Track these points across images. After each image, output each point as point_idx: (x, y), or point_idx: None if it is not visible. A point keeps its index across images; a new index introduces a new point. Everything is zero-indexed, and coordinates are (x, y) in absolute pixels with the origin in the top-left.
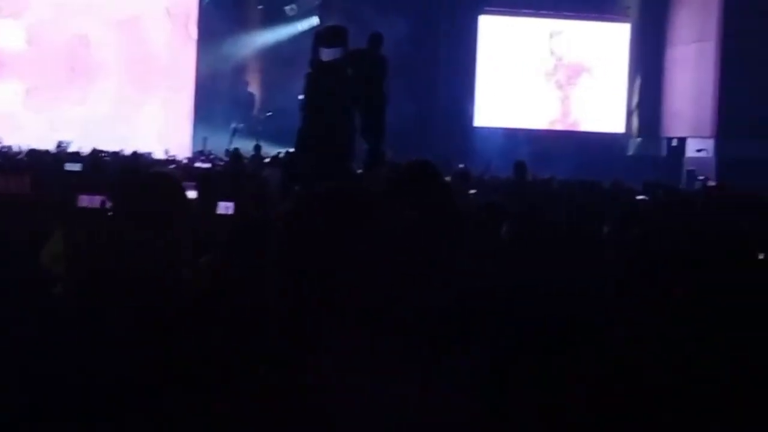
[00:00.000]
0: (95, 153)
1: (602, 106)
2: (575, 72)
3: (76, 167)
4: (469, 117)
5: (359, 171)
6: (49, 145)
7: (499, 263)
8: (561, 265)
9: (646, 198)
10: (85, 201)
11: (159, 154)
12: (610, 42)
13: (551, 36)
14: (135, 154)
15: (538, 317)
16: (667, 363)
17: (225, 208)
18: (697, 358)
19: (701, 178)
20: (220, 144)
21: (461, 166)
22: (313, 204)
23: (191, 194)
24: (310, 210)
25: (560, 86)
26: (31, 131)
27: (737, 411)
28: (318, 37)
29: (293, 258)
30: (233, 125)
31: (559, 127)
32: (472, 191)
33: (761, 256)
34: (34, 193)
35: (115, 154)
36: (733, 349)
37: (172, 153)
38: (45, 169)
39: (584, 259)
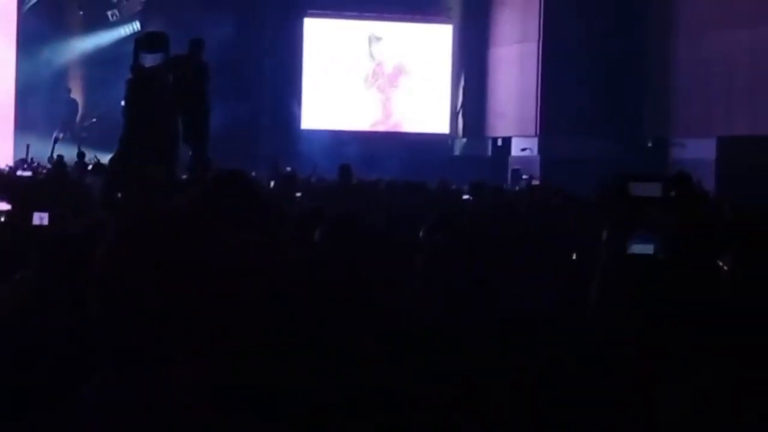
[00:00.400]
0: None
1: (426, 108)
2: (397, 74)
3: None
4: (296, 119)
5: (183, 177)
6: None
7: (311, 266)
8: (370, 267)
9: (471, 198)
10: None
11: None
12: (432, 43)
13: (373, 38)
14: None
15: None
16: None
17: (39, 218)
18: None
19: (525, 177)
20: (44, 152)
21: (288, 169)
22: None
23: (4, 206)
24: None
25: (382, 89)
26: None
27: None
28: (139, 43)
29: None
30: (54, 134)
31: (382, 128)
32: (298, 194)
33: (574, 256)
34: None
35: None
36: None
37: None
38: None
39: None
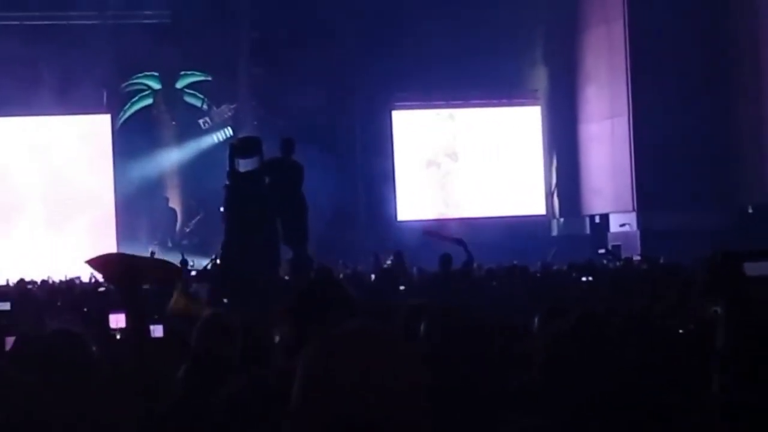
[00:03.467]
0: (22, 285)
1: (521, 189)
2: (491, 158)
3: (4, 306)
4: (392, 210)
5: (286, 277)
6: None
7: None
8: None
9: (575, 277)
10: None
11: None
12: (521, 125)
13: (464, 125)
14: (64, 281)
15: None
16: None
17: (155, 331)
18: None
19: (602, 251)
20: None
21: (388, 263)
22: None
23: (119, 320)
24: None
25: (477, 173)
26: None
27: None
28: (233, 148)
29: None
30: (150, 248)
31: (480, 214)
32: (402, 288)
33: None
34: None
35: (44, 283)
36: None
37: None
38: None
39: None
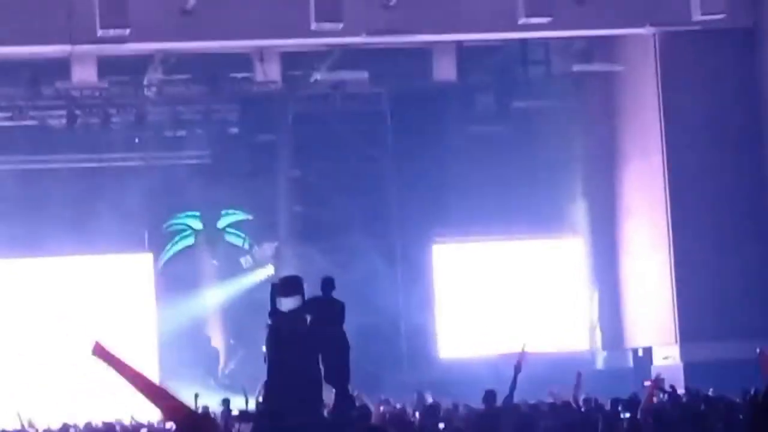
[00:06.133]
0: (65, 429)
1: (563, 323)
2: (531, 292)
3: None
4: (433, 347)
5: (327, 416)
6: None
7: None
8: None
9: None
10: None
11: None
12: (563, 259)
13: (504, 259)
14: (105, 423)
15: None
16: None
17: None
18: None
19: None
20: (188, 401)
21: (431, 401)
22: None
23: None
24: None
25: (518, 308)
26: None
27: None
28: (275, 288)
29: None
30: (195, 393)
31: (522, 349)
32: (441, 425)
33: None
34: None
35: (87, 426)
36: None
37: (140, 417)
38: None
39: None
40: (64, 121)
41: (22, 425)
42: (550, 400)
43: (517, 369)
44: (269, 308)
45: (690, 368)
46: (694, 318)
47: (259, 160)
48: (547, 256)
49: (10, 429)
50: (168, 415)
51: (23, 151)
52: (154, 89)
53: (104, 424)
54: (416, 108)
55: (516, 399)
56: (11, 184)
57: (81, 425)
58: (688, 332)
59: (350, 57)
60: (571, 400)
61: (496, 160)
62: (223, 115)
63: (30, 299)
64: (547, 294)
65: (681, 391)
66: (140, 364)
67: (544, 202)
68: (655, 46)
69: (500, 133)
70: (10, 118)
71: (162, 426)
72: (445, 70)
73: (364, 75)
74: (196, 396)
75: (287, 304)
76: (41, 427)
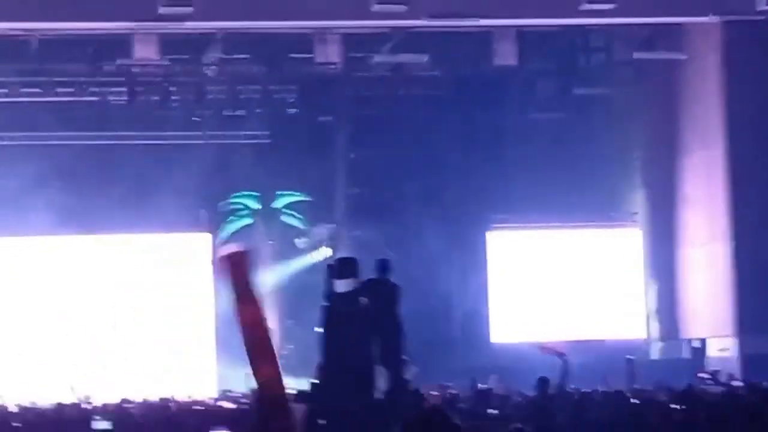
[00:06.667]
0: (121, 405)
1: (620, 312)
2: (588, 280)
3: (106, 426)
4: (486, 332)
5: (381, 398)
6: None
7: None
8: None
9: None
10: None
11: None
12: (620, 247)
13: (561, 246)
14: (162, 400)
15: None
16: None
17: None
18: None
19: (701, 375)
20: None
21: (482, 386)
22: None
23: None
24: None
25: (574, 296)
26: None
27: None
28: (330, 269)
29: None
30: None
31: (577, 337)
32: (494, 411)
33: None
34: None
35: (144, 402)
36: None
37: (196, 395)
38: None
39: None
40: (124, 98)
41: (79, 399)
42: (603, 388)
43: (560, 357)
44: (325, 290)
45: (747, 360)
46: (752, 310)
47: (317, 141)
48: (604, 244)
49: (68, 402)
50: (262, 379)
51: (84, 128)
52: (214, 68)
53: (161, 399)
54: (476, 92)
55: (569, 387)
56: (72, 159)
57: (137, 401)
58: (746, 324)
59: (411, 40)
60: (624, 389)
61: (555, 147)
62: (282, 95)
63: (86, 276)
64: (604, 282)
65: (737, 383)
66: (198, 343)
67: (603, 191)
68: (718, 35)
69: (560, 120)
70: (72, 94)
71: (214, 404)
72: (506, 54)
73: (425, 58)
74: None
75: (343, 285)
76: (98, 402)
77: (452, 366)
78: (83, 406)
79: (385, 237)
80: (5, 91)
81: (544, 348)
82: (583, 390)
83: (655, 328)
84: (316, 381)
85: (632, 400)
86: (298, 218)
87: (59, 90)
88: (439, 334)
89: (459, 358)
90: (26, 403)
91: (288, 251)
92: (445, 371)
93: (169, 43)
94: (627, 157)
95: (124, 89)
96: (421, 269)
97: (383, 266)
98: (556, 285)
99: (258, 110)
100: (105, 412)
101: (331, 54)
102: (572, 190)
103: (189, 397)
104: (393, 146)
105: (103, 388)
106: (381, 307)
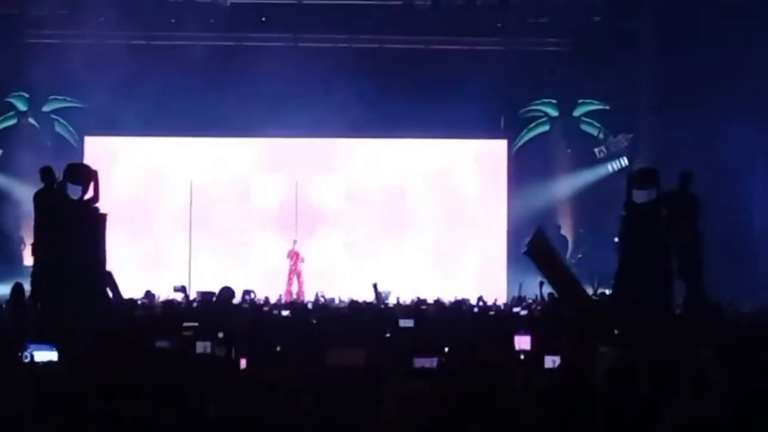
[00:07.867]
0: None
1: None
2: None
3: (408, 323)
4: None
5: (678, 312)
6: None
7: None
8: None
9: None
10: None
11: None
12: None
13: None
14: (456, 302)
15: None
16: None
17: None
18: None
19: None
20: (535, 288)
21: None
22: None
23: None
24: None
25: None
26: (351, 283)
27: None
28: (631, 179)
29: None
30: (540, 279)
31: None
32: None
33: None
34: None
35: (437, 302)
36: None
37: (488, 300)
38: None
39: None
40: (428, 2)
41: (379, 296)
42: None
43: None
44: (624, 199)
45: None
46: None
47: (620, 49)
48: None
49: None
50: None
51: (389, 31)
52: None
53: (455, 301)
54: None
55: None
56: (368, 64)
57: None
58: None
59: None
60: None
61: None
62: (587, 2)
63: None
64: None
65: None
66: (489, 248)
67: None
68: None
69: None
70: None
71: (507, 310)
72: None
73: None
74: (541, 283)
75: (642, 196)
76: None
77: (755, 280)
78: (387, 303)
79: (686, 149)
80: None
81: None
82: None
83: None
84: (612, 290)
85: None
86: (597, 127)
87: None
88: (739, 247)
89: (760, 270)
90: (320, 299)
91: (585, 160)
92: (739, 285)
93: None
94: None
95: None
96: (724, 180)
97: (685, 178)
98: None
99: (561, 17)
100: (409, 311)
101: None
102: None
103: (480, 300)
104: (701, 54)
105: (400, 290)
106: (681, 219)
